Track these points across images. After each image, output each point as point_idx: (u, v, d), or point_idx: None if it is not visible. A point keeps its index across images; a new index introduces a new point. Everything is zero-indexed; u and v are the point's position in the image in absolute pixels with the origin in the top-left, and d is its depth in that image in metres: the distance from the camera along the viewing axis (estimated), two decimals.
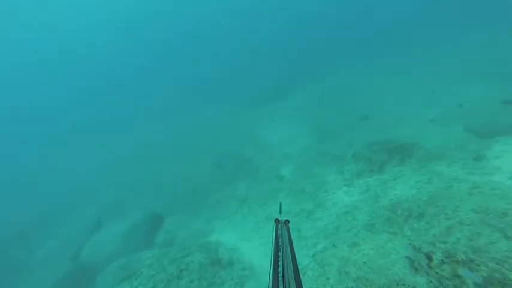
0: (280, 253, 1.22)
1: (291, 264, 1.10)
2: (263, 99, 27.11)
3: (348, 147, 12.23)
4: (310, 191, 10.43)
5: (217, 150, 19.15)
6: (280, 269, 1.08)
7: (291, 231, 1.55)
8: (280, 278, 1.00)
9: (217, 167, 16.80)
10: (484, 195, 6.37)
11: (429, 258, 4.81)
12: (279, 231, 1.48)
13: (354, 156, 10.80)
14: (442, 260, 4.63)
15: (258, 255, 8.15)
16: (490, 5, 25.84)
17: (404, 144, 10.31)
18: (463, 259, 4.45)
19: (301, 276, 1.00)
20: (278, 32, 51.77)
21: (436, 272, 4.42)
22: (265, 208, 10.80)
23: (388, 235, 6.05)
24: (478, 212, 5.78)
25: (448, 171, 8.04)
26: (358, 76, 23.43)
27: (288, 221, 1.66)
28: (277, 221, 1.65)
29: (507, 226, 4.92)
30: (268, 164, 15.51)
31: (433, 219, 6.02)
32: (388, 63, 24.87)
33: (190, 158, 19.56)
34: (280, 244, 1.31)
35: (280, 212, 2.00)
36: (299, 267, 1.09)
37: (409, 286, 4.35)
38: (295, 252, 1.22)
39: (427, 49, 24.28)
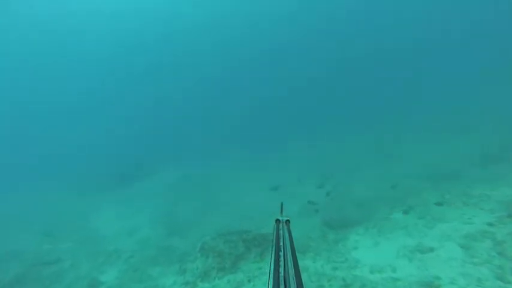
0: (281, 253, 1.17)
1: (292, 264, 1.06)
2: (108, 182, 21.66)
3: (197, 239, 9.11)
4: None
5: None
6: (281, 269, 1.02)
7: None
8: (281, 279, 0.95)
9: None
10: None
11: None
12: (280, 232, 1.42)
13: (202, 250, 7.70)
14: None
15: None
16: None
17: (265, 235, 8.27)
18: None
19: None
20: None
21: None
22: None
23: None
24: None
25: (314, 267, 6.26)
26: (220, 167, 22.68)
27: (289, 221, 1.59)
28: (278, 221, 1.58)
29: None
30: (86, 265, 9.98)
31: None
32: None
33: None
34: (281, 244, 1.26)
35: (282, 212, 1.85)
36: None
37: None
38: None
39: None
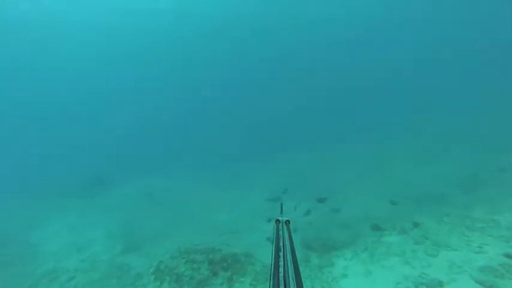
0: (281, 253, 1.18)
1: (292, 264, 1.07)
2: (69, 189, 19.35)
3: (153, 258, 7.54)
4: None
5: None
6: (281, 269, 1.04)
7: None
8: (281, 278, 0.97)
9: None
10: None
11: None
12: (280, 232, 1.45)
13: (158, 271, 6.17)
14: None
15: None
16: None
17: (236, 255, 6.88)
18: None
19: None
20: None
21: None
22: None
23: None
24: None
25: None
26: (195, 179, 20.91)
27: (289, 221, 1.60)
28: (277, 221, 1.59)
29: None
30: None
31: None
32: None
33: None
34: (281, 244, 1.28)
35: (281, 212, 1.86)
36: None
37: None
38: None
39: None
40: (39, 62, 42.02)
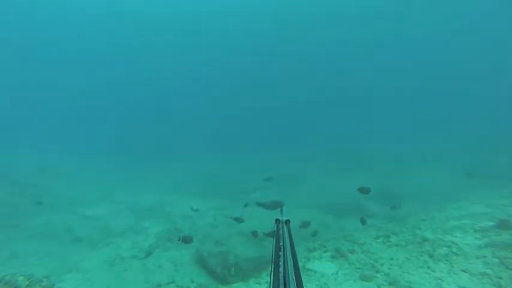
0: (280, 253, 1.09)
1: (292, 264, 0.97)
2: None
3: None
4: None
5: None
6: (281, 269, 0.95)
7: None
8: (281, 278, 0.88)
9: None
10: None
11: None
12: (280, 231, 1.35)
13: None
14: None
15: None
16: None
17: None
18: None
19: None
20: None
21: None
22: None
23: None
24: None
25: None
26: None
27: (289, 221, 1.49)
28: (277, 221, 1.49)
29: None
30: None
31: None
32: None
33: None
34: (281, 244, 1.19)
35: (281, 212, 1.72)
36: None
37: None
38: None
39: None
40: None
